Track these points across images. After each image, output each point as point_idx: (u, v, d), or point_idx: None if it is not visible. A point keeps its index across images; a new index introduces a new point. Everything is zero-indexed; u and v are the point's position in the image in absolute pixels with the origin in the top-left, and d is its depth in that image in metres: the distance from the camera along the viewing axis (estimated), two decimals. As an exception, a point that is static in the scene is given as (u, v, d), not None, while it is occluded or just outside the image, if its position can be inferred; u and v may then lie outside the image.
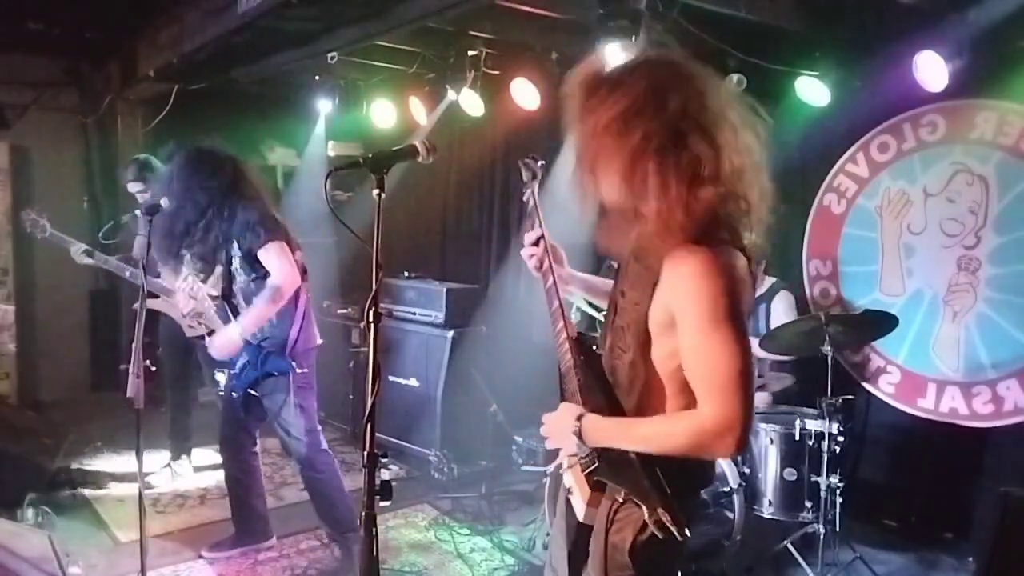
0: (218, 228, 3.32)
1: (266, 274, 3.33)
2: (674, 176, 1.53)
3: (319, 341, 3.59)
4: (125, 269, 4.36)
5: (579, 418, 1.71)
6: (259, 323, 3.33)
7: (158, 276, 4.22)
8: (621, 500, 1.70)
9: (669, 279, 1.57)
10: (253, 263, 3.35)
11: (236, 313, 3.45)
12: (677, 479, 1.64)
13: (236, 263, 3.40)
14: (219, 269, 3.47)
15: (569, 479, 1.85)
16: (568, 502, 1.87)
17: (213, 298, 3.55)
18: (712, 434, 1.54)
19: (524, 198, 2.06)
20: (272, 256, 3.29)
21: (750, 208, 1.61)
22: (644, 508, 1.63)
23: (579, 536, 1.84)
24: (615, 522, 1.72)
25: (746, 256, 1.61)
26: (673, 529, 1.59)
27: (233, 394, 3.51)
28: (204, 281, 3.53)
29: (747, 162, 1.59)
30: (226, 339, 3.35)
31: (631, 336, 1.67)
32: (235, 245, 3.36)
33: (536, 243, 2.01)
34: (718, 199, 1.56)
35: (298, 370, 3.36)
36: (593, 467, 1.74)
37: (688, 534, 1.61)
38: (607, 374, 1.76)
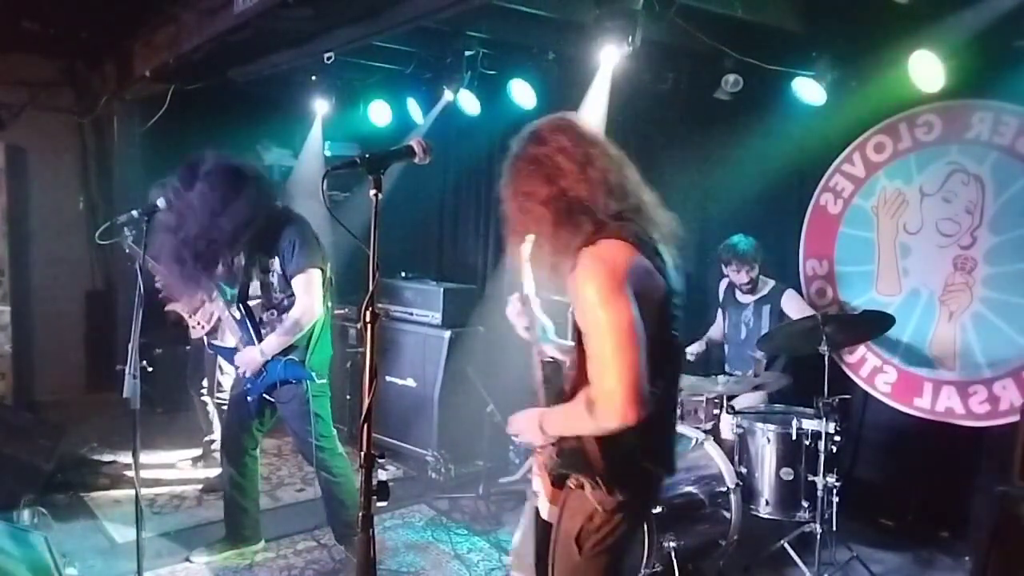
0: (252, 241, 3.33)
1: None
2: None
3: (331, 352, 3.60)
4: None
5: (541, 414, 1.93)
6: (278, 349, 3.38)
7: None
8: (573, 487, 1.85)
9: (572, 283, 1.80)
10: (289, 283, 3.37)
11: (260, 325, 3.48)
12: (619, 453, 1.78)
13: (275, 279, 3.42)
14: (256, 281, 3.48)
15: (536, 483, 1.97)
16: (536, 511, 1.99)
17: (239, 315, 3.53)
18: (597, 408, 1.70)
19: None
20: (301, 285, 3.32)
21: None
22: (585, 482, 1.80)
23: (545, 535, 1.93)
24: (568, 509, 1.87)
25: (637, 241, 1.79)
26: (605, 494, 1.78)
27: (248, 398, 3.51)
28: (242, 290, 3.52)
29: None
30: (249, 357, 3.44)
31: (576, 344, 1.84)
32: (277, 261, 3.38)
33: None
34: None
35: (318, 380, 3.40)
36: (555, 462, 1.88)
37: (620, 517, 1.80)
38: (566, 388, 1.93)
